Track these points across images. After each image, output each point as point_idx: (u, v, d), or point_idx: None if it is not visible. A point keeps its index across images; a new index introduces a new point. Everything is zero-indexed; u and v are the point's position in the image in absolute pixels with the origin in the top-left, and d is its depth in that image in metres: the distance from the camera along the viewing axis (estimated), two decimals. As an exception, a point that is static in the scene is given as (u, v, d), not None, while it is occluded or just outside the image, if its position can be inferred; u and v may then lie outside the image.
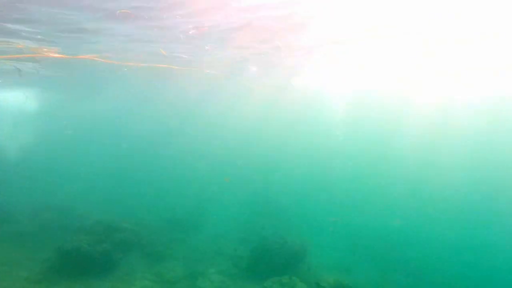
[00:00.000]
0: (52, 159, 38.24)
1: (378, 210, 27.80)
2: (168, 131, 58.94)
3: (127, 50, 16.39)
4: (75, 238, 14.50)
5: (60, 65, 21.91)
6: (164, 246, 17.45)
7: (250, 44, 14.83)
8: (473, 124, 39.32)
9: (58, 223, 18.24)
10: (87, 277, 13.15)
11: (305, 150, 56.32)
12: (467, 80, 21.33)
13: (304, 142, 57.83)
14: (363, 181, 42.47)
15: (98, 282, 13.04)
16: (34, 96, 43.48)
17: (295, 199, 29.18)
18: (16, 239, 16.22)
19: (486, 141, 44.23)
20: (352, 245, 20.96)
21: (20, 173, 29.32)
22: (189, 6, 9.62)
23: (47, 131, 57.49)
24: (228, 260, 17.06)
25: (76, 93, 41.17)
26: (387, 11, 10.07)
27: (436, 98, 29.01)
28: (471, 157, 44.52)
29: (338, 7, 9.67)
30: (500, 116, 34.19)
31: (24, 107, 52.56)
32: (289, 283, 12.71)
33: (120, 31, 12.93)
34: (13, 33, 13.04)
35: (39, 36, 13.56)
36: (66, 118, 55.40)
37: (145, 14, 10.34)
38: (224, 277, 15.00)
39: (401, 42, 13.80)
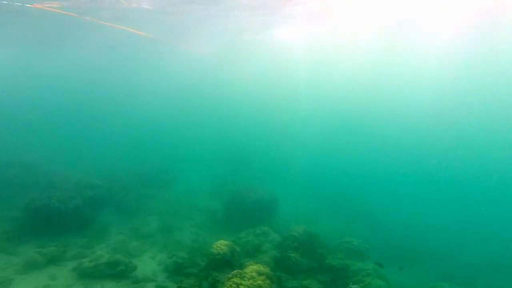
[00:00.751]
0: (10, 115, 35.52)
1: (341, 162, 29.11)
2: (141, 89, 56.21)
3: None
4: (43, 195, 14.03)
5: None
6: (137, 202, 17.44)
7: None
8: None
9: (22, 180, 17.41)
10: (61, 234, 12.99)
11: (269, 105, 56.40)
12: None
13: (267, 97, 57.59)
14: (326, 133, 43.81)
15: (73, 239, 12.96)
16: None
17: (265, 155, 29.69)
18: (-22, 197, 15.46)
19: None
20: (318, 197, 22.26)
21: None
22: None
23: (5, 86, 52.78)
24: (203, 214, 17.53)
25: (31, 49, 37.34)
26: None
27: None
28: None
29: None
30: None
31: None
32: (263, 233, 13.40)
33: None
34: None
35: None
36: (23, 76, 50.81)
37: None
38: (200, 230, 15.50)
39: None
